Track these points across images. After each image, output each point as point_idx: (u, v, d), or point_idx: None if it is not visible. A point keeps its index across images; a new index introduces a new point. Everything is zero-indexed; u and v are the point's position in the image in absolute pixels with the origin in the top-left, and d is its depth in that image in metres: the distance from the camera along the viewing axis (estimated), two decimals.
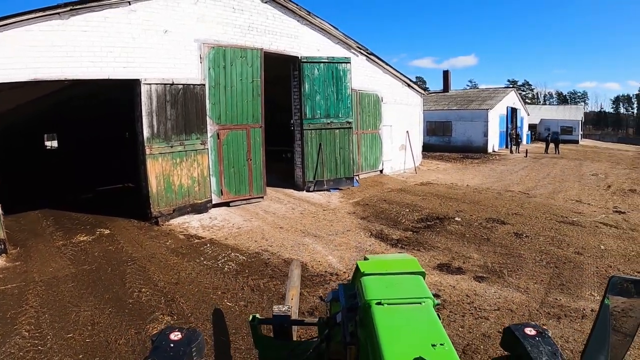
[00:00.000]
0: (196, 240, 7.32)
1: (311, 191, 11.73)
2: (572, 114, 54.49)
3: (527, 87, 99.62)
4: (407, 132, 16.80)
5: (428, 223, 8.54)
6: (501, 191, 12.91)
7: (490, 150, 30.75)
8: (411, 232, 7.83)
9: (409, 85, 17.40)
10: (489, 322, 4.44)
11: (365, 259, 2.12)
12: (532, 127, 47.93)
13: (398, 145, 16.42)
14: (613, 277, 1.47)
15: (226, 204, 9.80)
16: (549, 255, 6.67)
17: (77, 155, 18.64)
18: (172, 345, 1.65)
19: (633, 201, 12.46)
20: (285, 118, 14.06)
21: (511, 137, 33.29)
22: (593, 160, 27.60)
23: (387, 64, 15.51)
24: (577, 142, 48.25)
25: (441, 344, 1.33)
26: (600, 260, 6.47)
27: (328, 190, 11.86)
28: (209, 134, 9.37)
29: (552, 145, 32.65)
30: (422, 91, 18.55)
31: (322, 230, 7.90)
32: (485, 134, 30.65)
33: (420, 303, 1.59)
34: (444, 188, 13.20)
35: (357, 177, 13.32)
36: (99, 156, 18.36)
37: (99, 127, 19.29)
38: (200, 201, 9.30)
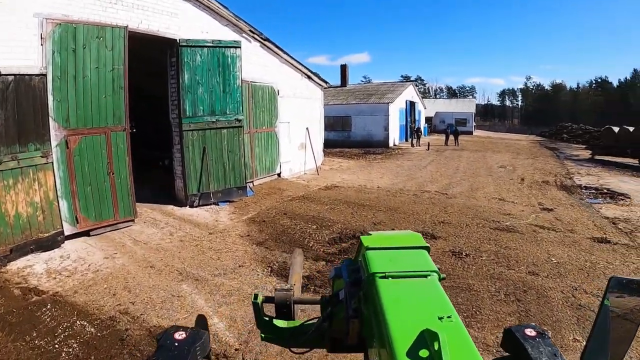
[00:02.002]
0: (35, 298, 5.48)
1: (196, 206, 10.35)
2: (466, 106, 59.40)
3: (419, 82, 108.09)
4: (307, 128, 16.14)
5: (343, 245, 7.72)
6: (417, 192, 12.84)
7: (391, 144, 31.78)
8: (324, 262, 6.83)
9: (309, 77, 16.74)
10: None
11: (369, 234, 2.13)
12: (427, 119, 51.40)
13: (297, 144, 15.70)
14: (612, 277, 1.57)
15: (86, 234, 7.98)
16: (503, 281, 6.16)
17: None
18: (176, 344, 1.69)
19: (552, 195, 13.28)
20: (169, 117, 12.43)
21: (412, 131, 34.91)
22: (494, 151, 29.87)
23: (285, 52, 14.60)
24: (471, 133, 52.93)
25: (448, 317, 1.35)
26: (560, 280, 6.20)
27: (216, 203, 10.60)
28: (53, 143, 7.38)
29: (451, 137, 35.08)
30: (323, 83, 18.04)
31: (206, 268, 6.59)
32: (386, 128, 31.57)
33: (425, 276, 1.64)
34: (352, 192, 12.73)
35: (251, 185, 12.27)
36: None
37: None
38: (46, 234, 7.28)
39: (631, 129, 26.59)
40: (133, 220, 8.88)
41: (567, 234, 8.67)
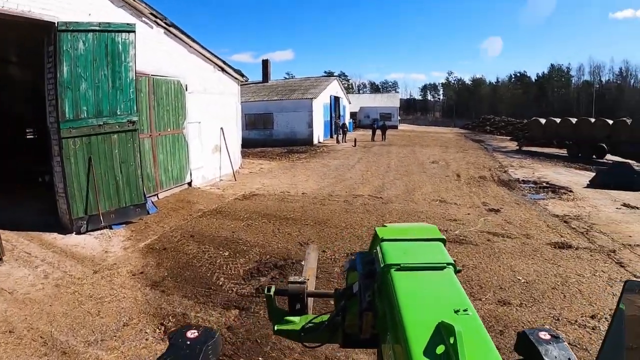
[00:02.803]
0: None
1: (83, 232, 8.39)
2: (390, 101, 60.65)
3: (343, 77, 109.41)
4: (222, 128, 14.56)
5: (262, 280, 6.27)
6: (348, 198, 11.75)
7: (315, 141, 31.07)
8: (238, 311, 5.36)
9: (223, 70, 15.17)
10: None
11: (384, 225, 2.11)
12: (352, 115, 51.74)
13: (211, 147, 14.09)
14: (628, 281, 1.53)
15: None
16: None
17: None
18: (188, 343, 1.71)
19: (493, 192, 12.94)
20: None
21: (337, 126, 34.36)
22: (422, 146, 29.99)
23: (194, 41, 12.93)
24: (396, 127, 54.08)
25: (464, 310, 1.33)
26: (536, 308, 5.37)
27: (109, 227, 8.79)
28: None
29: (378, 132, 35.05)
30: (240, 77, 16.53)
31: (80, 330, 4.91)
32: (310, 125, 30.77)
33: (441, 269, 1.62)
34: (274, 201, 11.36)
35: (153, 200, 10.58)
36: None
37: None
38: None
39: (558, 120, 27.65)
40: (1, 259, 6.98)
41: (524, 241, 8.04)
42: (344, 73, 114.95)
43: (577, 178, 16.13)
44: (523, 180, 15.40)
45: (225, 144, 14.62)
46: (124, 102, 9.01)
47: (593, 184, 14.25)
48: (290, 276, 2.31)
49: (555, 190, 13.41)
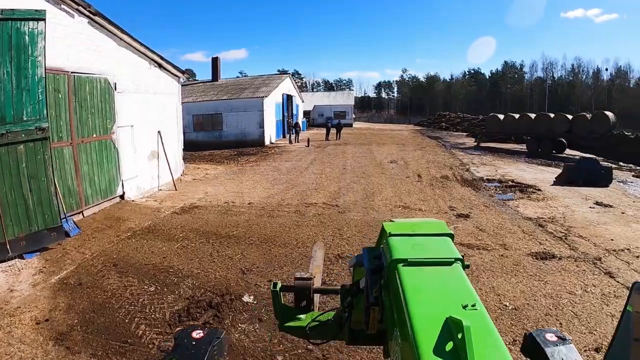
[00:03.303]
0: None
1: None
2: (344, 99, 60.46)
3: (297, 76, 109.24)
4: (160, 132, 13.24)
5: (193, 325, 5.20)
6: (300, 207, 10.74)
7: (267, 142, 30.11)
8: None
9: (160, 66, 13.83)
10: None
11: (392, 221, 2.12)
12: (306, 114, 51.13)
13: (146, 154, 12.74)
14: (636, 282, 1.58)
15: None
16: None
17: None
18: (193, 342, 1.75)
19: (459, 194, 12.35)
20: None
21: (289, 126, 33.38)
22: (379, 144, 29.43)
23: (125, 33, 11.53)
24: (351, 125, 53.85)
25: (472, 305, 1.34)
26: None
27: (21, 256, 7.43)
28: None
29: (333, 131, 34.35)
30: (180, 74, 15.20)
31: None
32: (261, 125, 29.72)
33: (449, 264, 1.62)
34: (215, 214, 10.16)
35: (76, 219, 9.19)
36: None
37: None
38: None
39: (516, 115, 27.73)
40: None
41: (502, 253, 7.33)
42: (297, 72, 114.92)
43: (541, 175, 15.87)
44: (487, 179, 14.93)
45: (164, 149, 13.29)
46: (32, 105, 7.61)
47: (560, 181, 13.97)
48: (297, 272, 2.30)
49: (522, 189, 12.97)
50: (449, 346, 1.18)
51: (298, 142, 31.21)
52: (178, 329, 5.03)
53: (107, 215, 10.07)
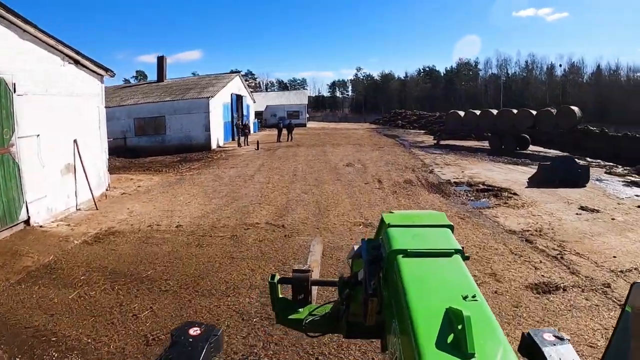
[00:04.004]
0: None
1: None
2: (298, 98, 59.43)
3: (250, 76, 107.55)
4: (76, 141, 11.28)
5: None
6: (238, 230, 8.97)
7: (214, 146, 28.39)
8: None
9: (77, 63, 11.82)
10: None
11: (391, 212, 2.08)
12: (258, 114, 49.72)
13: (59, 168, 10.72)
14: (635, 283, 1.52)
15: None
16: None
17: None
18: (190, 340, 1.71)
19: (427, 202, 11.19)
20: None
21: (238, 128, 31.65)
22: (333, 145, 28.12)
23: (30, 24, 9.59)
24: (304, 125, 52.68)
25: (473, 296, 1.33)
26: None
27: None
28: None
29: (284, 131, 32.92)
30: (103, 72, 13.24)
31: None
32: (207, 128, 27.94)
33: (449, 255, 1.61)
34: (133, 244, 8.26)
35: None
36: None
37: None
38: None
39: (478, 112, 27.17)
40: None
41: (494, 288, 5.91)
42: (251, 72, 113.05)
43: (511, 175, 14.90)
44: (455, 182, 13.75)
45: (81, 161, 11.32)
46: None
47: (534, 182, 13.06)
48: (295, 264, 2.38)
49: (496, 193, 11.85)
50: (449, 337, 1.15)
51: (247, 144, 29.51)
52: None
53: (2, 250, 8.18)
